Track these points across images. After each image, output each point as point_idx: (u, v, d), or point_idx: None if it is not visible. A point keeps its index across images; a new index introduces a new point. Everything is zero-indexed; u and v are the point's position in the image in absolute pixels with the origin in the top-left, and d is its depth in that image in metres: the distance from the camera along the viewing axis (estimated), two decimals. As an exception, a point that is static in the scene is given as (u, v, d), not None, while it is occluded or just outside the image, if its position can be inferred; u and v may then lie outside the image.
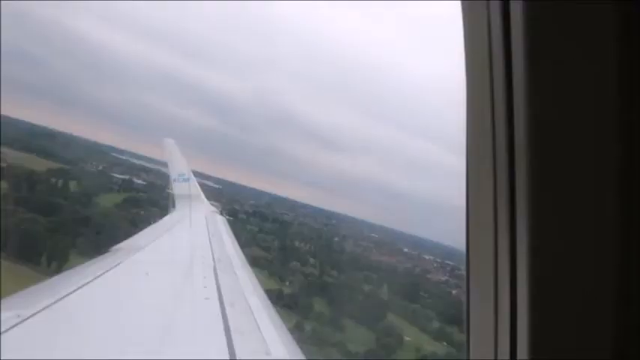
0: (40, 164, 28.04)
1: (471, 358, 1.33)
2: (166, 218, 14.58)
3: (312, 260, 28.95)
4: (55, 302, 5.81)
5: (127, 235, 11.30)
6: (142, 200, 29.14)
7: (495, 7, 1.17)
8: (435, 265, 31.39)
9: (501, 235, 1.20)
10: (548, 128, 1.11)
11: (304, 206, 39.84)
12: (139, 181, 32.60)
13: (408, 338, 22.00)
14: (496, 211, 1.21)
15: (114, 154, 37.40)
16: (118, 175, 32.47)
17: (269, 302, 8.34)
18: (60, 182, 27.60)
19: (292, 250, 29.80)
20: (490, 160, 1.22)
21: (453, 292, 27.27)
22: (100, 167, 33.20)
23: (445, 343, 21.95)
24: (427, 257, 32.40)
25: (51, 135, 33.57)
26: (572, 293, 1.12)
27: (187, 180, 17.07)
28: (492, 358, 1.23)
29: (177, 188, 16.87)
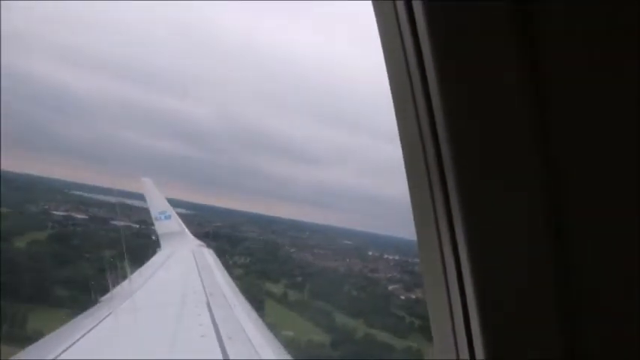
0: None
1: (436, 358, 1.36)
2: (154, 259, 14.42)
3: (239, 271, 29.11)
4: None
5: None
6: (70, 235, 29.06)
7: (401, 7, 1.22)
8: (391, 264, 32.61)
9: (443, 232, 1.22)
10: (463, 119, 1.17)
11: (276, 221, 40.15)
12: (80, 216, 32.25)
13: (288, 332, 21.73)
14: (435, 207, 1.24)
15: (71, 191, 37.42)
16: (58, 213, 31.95)
17: (267, 329, 8.33)
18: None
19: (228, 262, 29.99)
20: (421, 152, 1.25)
21: (390, 287, 28.60)
22: (46, 206, 32.63)
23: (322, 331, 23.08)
24: (389, 257, 33.57)
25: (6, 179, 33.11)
26: (515, 288, 1.16)
27: (169, 217, 16.94)
28: (454, 357, 1.26)
29: (160, 227, 16.72)
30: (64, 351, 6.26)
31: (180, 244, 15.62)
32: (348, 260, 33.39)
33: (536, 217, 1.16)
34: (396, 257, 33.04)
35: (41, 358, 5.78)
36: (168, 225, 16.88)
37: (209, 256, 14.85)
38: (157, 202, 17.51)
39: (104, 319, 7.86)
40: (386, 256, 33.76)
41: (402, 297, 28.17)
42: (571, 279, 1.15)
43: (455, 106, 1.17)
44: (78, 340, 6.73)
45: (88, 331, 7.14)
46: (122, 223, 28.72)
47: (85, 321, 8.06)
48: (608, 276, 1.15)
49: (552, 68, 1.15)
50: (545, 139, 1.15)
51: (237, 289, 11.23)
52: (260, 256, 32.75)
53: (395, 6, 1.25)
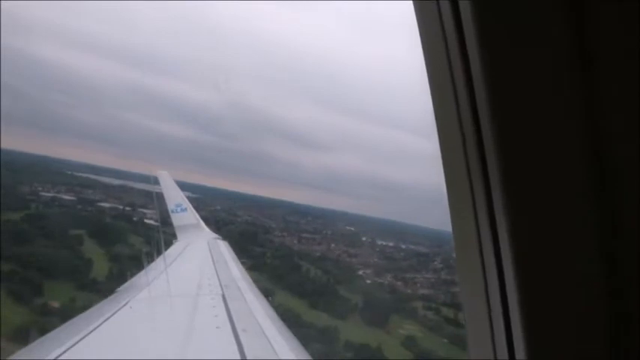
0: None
1: (471, 358, 1.32)
2: (169, 251, 14.54)
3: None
4: (67, 350, 5.79)
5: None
6: (47, 215, 28.89)
7: (446, 7, 1.20)
8: (376, 249, 32.92)
9: (483, 230, 1.20)
10: (509, 116, 1.13)
11: (279, 205, 40.41)
12: (68, 197, 32.28)
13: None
14: (475, 204, 1.22)
15: (76, 173, 37.46)
16: (47, 194, 32.02)
17: (281, 322, 8.31)
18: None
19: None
20: (461, 149, 1.23)
21: (360, 272, 28.97)
22: (40, 187, 32.68)
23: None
24: (381, 243, 33.74)
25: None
26: (561, 289, 1.12)
27: (185, 210, 17.04)
28: (492, 358, 1.23)
29: (176, 219, 16.84)
30: (82, 339, 6.31)
31: (195, 236, 15.70)
32: (332, 245, 33.61)
33: (587, 217, 1.12)
34: (390, 244, 33.30)
35: (42, 357, 5.79)
36: (184, 217, 16.99)
37: (224, 248, 14.93)
38: (173, 195, 17.62)
39: (120, 309, 7.92)
40: (380, 242, 33.91)
41: (368, 281, 28.68)
42: (618, 284, 1.11)
43: (503, 110, 1.13)
44: (94, 329, 6.79)
45: (104, 321, 7.19)
46: (109, 205, 28.91)
47: (100, 310, 8.12)
48: None
49: (606, 70, 1.10)
50: (599, 142, 1.11)
51: (252, 282, 11.24)
52: (236, 239, 32.70)
53: (439, 6, 1.22)
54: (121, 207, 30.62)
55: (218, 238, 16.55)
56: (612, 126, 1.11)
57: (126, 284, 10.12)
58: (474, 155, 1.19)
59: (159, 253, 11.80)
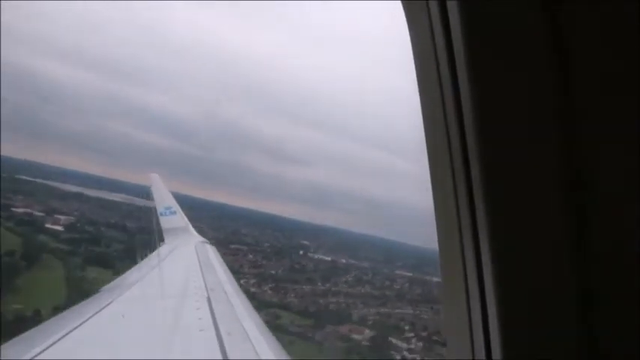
0: None
1: (450, 358, 1.35)
2: (156, 252, 14.45)
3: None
4: (48, 347, 5.73)
5: None
6: None
7: (434, 7, 1.22)
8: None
9: (466, 238, 1.23)
10: (493, 127, 1.16)
11: (247, 216, 39.91)
12: None
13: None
14: (459, 214, 1.24)
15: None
16: None
17: (265, 327, 8.28)
18: None
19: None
20: (447, 159, 1.25)
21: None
22: None
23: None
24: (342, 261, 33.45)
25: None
26: (536, 292, 1.15)
27: (174, 213, 16.96)
28: (470, 357, 1.26)
29: (164, 222, 16.74)
30: (61, 339, 6.24)
31: (183, 239, 15.62)
32: (272, 260, 32.67)
33: (558, 222, 1.15)
34: (328, 259, 33.20)
35: (38, 357, 5.72)
36: (173, 220, 16.91)
37: (211, 252, 14.85)
38: (163, 198, 17.54)
39: (103, 308, 7.85)
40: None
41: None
42: (591, 285, 1.14)
43: (486, 109, 1.15)
44: (75, 328, 6.72)
45: (87, 320, 7.12)
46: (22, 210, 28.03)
47: (83, 309, 8.05)
48: (627, 281, 1.14)
49: (585, 72, 1.13)
50: (576, 149, 1.13)
51: (237, 286, 11.19)
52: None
53: (427, 6, 1.24)
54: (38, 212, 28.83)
55: (206, 242, 16.46)
56: (588, 130, 1.14)
57: (110, 284, 10.04)
58: (458, 151, 1.21)
59: (145, 255, 11.73)
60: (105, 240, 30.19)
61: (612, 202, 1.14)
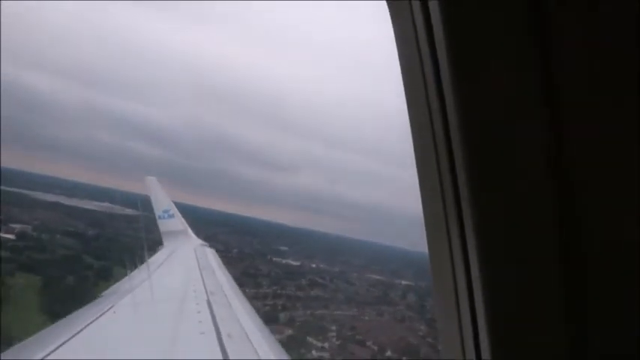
0: None
1: (444, 358, 1.37)
2: (156, 256, 14.42)
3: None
4: (48, 354, 5.73)
5: None
6: None
7: (417, 7, 1.23)
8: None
9: (454, 240, 1.24)
10: (477, 122, 1.16)
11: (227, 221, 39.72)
12: None
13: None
14: (447, 217, 1.25)
15: None
16: None
17: (266, 329, 8.29)
18: None
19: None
20: (434, 160, 1.26)
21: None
22: None
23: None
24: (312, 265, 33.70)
25: None
26: (524, 293, 1.17)
27: (172, 216, 16.95)
28: (461, 358, 1.28)
29: (163, 225, 16.72)
30: (62, 345, 6.23)
31: (182, 242, 15.61)
32: (243, 262, 33.31)
33: (545, 225, 1.16)
34: (295, 263, 33.21)
35: (38, 357, 5.73)
36: (171, 223, 16.89)
37: (211, 255, 14.84)
38: (160, 201, 17.51)
39: (104, 313, 7.84)
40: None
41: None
42: (578, 286, 1.16)
43: (469, 109, 1.16)
44: (76, 333, 6.71)
45: (87, 325, 7.12)
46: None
47: (84, 315, 8.04)
48: (614, 283, 1.15)
49: (572, 72, 1.14)
50: (560, 148, 1.15)
51: (237, 289, 11.19)
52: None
53: (411, 6, 1.25)
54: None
55: (205, 245, 16.45)
56: (577, 131, 1.15)
57: (110, 289, 10.02)
58: (444, 152, 1.22)
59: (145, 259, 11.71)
60: (53, 247, 30.38)
61: (601, 203, 1.15)
